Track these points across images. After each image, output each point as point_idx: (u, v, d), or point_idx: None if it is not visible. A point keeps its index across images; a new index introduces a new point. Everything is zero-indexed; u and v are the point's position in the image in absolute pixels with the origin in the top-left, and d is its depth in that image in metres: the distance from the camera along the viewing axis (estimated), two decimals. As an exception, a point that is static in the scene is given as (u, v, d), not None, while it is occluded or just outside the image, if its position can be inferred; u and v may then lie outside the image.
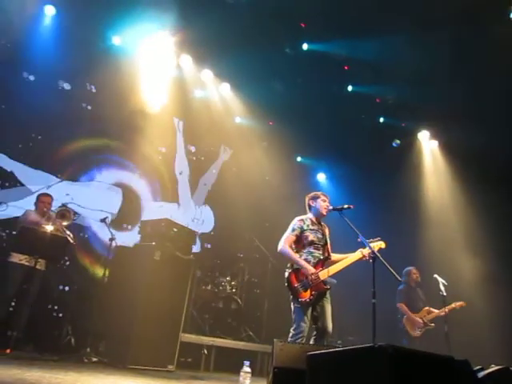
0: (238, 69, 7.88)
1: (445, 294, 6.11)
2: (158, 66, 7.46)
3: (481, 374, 3.66)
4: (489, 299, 7.16)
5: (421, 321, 6.46)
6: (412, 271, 6.77)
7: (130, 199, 7.21)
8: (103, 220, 5.65)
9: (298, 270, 4.30)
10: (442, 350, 4.94)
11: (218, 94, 8.36)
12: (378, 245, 4.51)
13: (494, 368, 3.83)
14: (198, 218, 8.38)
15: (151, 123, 7.39)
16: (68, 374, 3.52)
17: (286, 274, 4.36)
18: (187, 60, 7.84)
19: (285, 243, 4.46)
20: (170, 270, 5.33)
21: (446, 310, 6.26)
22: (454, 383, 2.62)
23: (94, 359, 4.93)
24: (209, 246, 8.31)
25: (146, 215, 7.29)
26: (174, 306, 5.37)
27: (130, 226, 7.06)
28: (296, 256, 4.37)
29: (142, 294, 5.11)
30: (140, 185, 7.49)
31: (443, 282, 6.24)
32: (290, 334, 4.18)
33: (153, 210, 7.48)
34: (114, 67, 6.80)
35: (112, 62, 6.80)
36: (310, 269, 4.25)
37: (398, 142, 8.83)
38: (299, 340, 4.06)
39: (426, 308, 6.54)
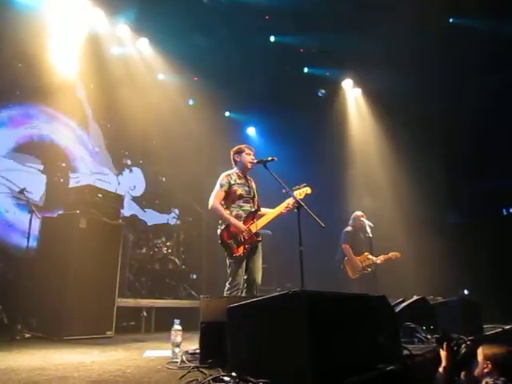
0: (156, 22, 7.50)
1: (371, 235, 6.44)
2: (67, 22, 6.85)
3: (399, 307, 3.98)
4: (411, 239, 7.64)
5: (360, 264, 6.65)
6: (358, 216, 6.87)
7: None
8: (21, 191, 5.32)
9: (229, 227, 4.35)
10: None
11: (136, 50, 7.91)
12: (304, 191, 4.61)
13: (411, 300, 4.17)
14: (129, 184, 8.15)
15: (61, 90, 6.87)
16: (-5, 354, 3.39)
17: (219, 232, 4.41)
18: (100, 14, 7.28)
19: (215, 200, 4.47)
20: (99, 236, 5.17)
21: (382, 258, 6.61)
22: (372, 319, 2.81)
23: (28, 335, 4.78)
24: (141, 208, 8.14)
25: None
26: (107, 273, 5.26)
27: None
28: (226, 214, 4.40)
29: (71, 264, 4.94)
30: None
31: (370, 224, 6.55)
32: (226, 288, 4.28)
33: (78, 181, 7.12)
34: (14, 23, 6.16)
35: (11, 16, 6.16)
36: (241, 226, 4.31)
37: (323, 91, 8.91)
38: (235, 293, 4.18)
39: (366, 253, 6.69)
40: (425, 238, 7.54)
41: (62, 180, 6.95)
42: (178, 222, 7.88)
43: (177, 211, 8.52)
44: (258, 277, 4.41)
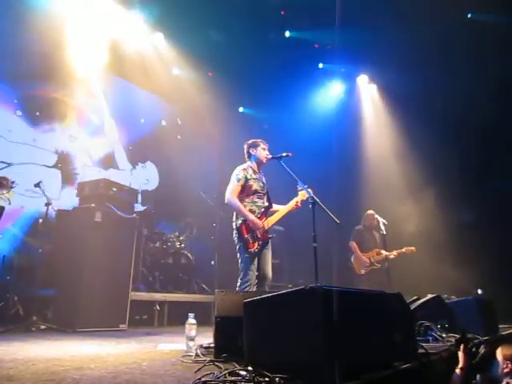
0: (172, 17, 7.49)
1: (385, 232, 6.42)
2: (80, 16, 6.87)
3: (414, 305, 3.95)
4: (426, 237, 7.57)
5: (367, 260, 6.71)
6: (368, 214, 6.97)
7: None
8: (37, 185, 5.37)
9: (247, 221, 4.35)
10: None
11: (151, 44, 7.92)
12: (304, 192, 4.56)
13: (426, 298, 4.14)
14: (142, 179, 8.19)
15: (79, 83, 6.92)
16: (12, 345, 3.43)
17: (237, 225, 4.39)
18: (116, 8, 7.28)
19: (232, 194, 4.45)
20: (113, 230, 5.22)
21: (395, 253, 6.61)
22: (387, 316, 2.79)
23: (43, 327, 4.84)
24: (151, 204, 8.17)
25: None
26: (121, 266, 5.31)
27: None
28: (244, 210, 4.38)
29: (86, 257, 5.00)
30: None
31: (383, 221, 6.53)
32: (238, 283, 4.29)
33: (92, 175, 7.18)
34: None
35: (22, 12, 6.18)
36: (259, 223, 4.32)
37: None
38: (247, 288, 4.18)
39: (377, 250, 6.73)
40: (440, 236, 7.49)
41: (76, 174, 7.01)
42: (189, 220, 7.87)
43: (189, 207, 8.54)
44: (269, 272, 4.43)
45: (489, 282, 7.21)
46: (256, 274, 4.35)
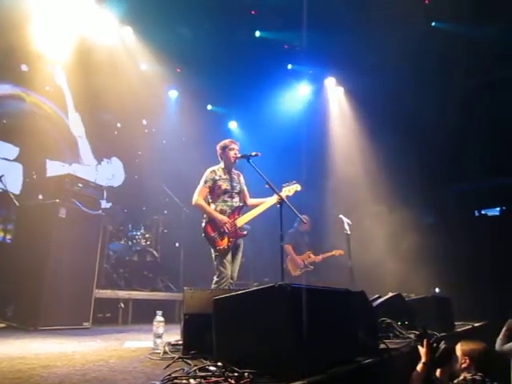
0: (141, 12, 7.40)
1: (349, 232, 6.58)
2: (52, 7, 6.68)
3: (376, 302, 4.09)
4: (389, 237, 7.81)
5: (301, 262, 7.11)
6: (302, 219, 7.21)
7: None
8: (-1, 178, 5.22)
9: (213, 220, 4.42)
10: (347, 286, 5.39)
11: (119, 38, 7.79)
12: (293, 187, 4.72)
13: (387, 296, 4.29)
14: (108, 174, 8.06)
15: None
16: (-32, 344, 3.34)
17: (202, 226, 4.49)
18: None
19: (198, 196, 4.55)
20: (78, 226, 5.12)
21: (320, 257, 7.15)
22: (351, 313, 2.90)
23: (2, 325, 4.71)
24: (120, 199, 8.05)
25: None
26: (86, 263, 5.21)
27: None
28: (209, 208, 4.49)
29: (49, 253, 4.86)
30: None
31: (348, 221, 6.70)
32: (214, 281, 4.34)
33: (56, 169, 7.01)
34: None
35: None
36: (223, 219, 4.38)
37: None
38: (223, 285, 4.25)
39: (308, 252, 7.18)
40: (399, 236, 7.73)
41: (39, 168, 6.81)
42: (155, 217, 7.81)
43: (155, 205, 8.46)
44: (235, 273, 4.53)
45: (445, 281, 7.49)
46: None
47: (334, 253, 7.09)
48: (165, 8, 7.22)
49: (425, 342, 2.72)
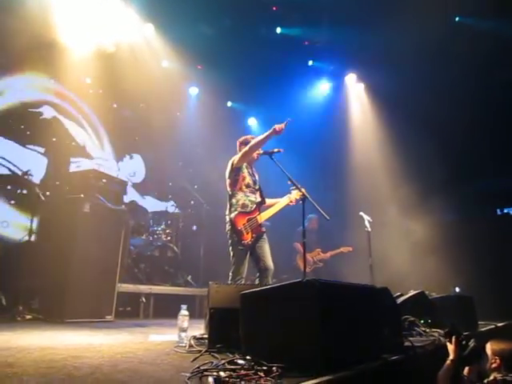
0: (163, 9, 7.45)
1: (370, 229, 6.53)
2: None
3: (400, 300, 4.07)
4: (409, 233, 7.76)
5: (311, 259, 7.27)
6: (312, 219, 7.38)
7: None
8: (24, 174, 5.33)
9: (241, 214, 4.37)
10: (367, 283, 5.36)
11: (141, 35, 7.85)
12: (296, 192, 4.66)
13: (411, 293, 4.27)
14: (129, 171, 8.16)
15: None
16: (1, 334, 3.42)
17: (230, 217, 4.38)
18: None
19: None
20: (101, 221, 5.20)
21: (328, 254, 7.34)
22: (377, 310, 2.89)
23: (28, 317, 4.81)
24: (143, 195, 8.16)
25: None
26: (109, 257, 5.29)
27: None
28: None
29: (74, 247, 4.96)
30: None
31: (368, 219, 6.64)
32: (230, 277, 4.31)
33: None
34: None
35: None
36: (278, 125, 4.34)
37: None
38: (238, 282, 4.20)
39: (318, 249, 7.37)
40: (419, 233, 7.67)
41: (64, 163, 6.93)
42: (177, 211, 7.90)
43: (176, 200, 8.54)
44: (270, 263, 4.41)
45: (465, 279, 7.40)
46: (256, 268, 4.40)
47: (342, 250, 7.24)
48: (186, 5, 7.25)
49: (453, 339, 2.70)
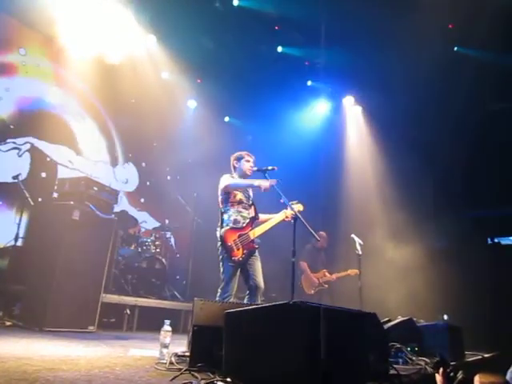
0: (166, 21, 7.49)
1: (360, 253, 6.48)
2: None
3: (388, 325, 4.02)
4: (400, 258, 7.72)
5: (316, 280, 7.01)
6: (321, 236, 7.06)
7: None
8: (15, 177, 5.26)
9: (232, 230, 4.32)
10: (355, 306, 5.31)
11: (143, 46, 7.87)
12: (296, 207, 4.63)
13: (399, 319, 4.22)
14: (122, 178, 8.10)
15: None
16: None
17: (221, 233, 4.32)
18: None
19: (228, 181, 4.49)
20: (90, 229, 5.12)
21: (334, 276, 7.05)
22: (364, 333, 2.84)
23: (8, 323, 4.70)
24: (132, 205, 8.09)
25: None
26: (95, 267, 5.20)
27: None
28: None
29: (60, 255, 4.86)
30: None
31: (359, 241, 6.60)
32: (218, 293, 4.22)
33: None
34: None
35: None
36: (264, 183, 4.31)
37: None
38: (227, 299, 4.11)
39: (324, 270, 7.09)
40: (410, 260, 7.64)
41: (55, 169, 6.88)
42: (167, 222, 7.84)
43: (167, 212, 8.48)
44: (261, 282, 4.32)
45: (454, 308, 7.35)
46: (246, 285, 4.32)
47: (349, 272, 6.95)
48: (189, 18, 7.30)
49: (441, 370, 2.64)
